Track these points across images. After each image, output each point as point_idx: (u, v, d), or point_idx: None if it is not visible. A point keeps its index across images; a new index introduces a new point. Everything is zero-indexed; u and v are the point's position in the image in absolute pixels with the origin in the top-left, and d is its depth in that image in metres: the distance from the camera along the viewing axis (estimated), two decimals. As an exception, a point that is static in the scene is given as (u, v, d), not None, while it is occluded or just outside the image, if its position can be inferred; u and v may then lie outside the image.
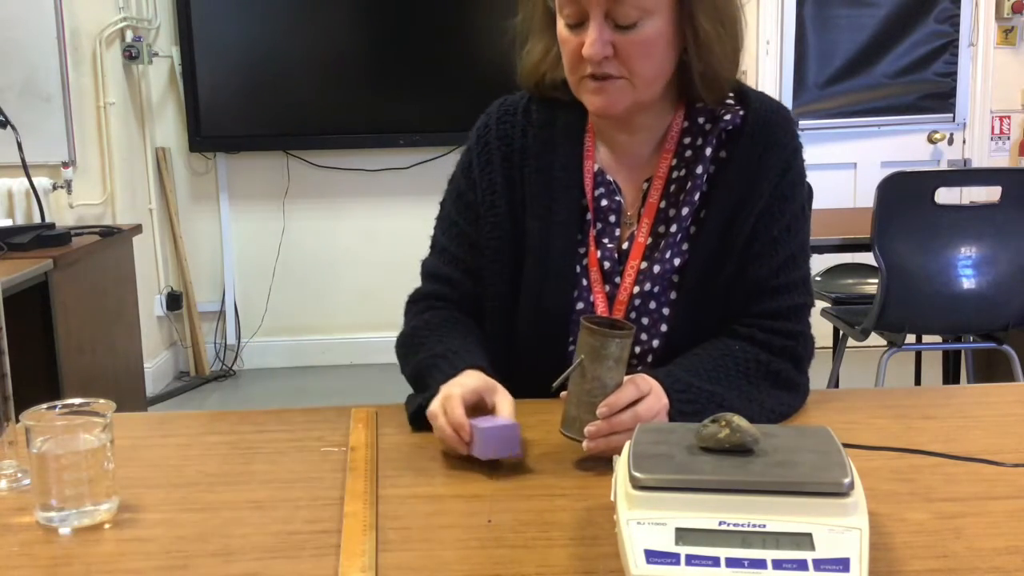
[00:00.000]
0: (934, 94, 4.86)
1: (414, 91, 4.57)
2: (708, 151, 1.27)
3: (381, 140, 4.62)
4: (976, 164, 4.87)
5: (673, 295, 1.27)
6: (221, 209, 4.78)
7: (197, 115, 4.54)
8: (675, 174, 1.29)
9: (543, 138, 1.32)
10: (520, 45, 1.35)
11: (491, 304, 1.33)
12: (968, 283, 2.75)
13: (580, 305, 1.28)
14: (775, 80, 4.78)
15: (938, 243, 2.72)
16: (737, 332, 1.24)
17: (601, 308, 1.28)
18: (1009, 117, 4.90)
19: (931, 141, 4.90)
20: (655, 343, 1.27)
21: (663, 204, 1.28)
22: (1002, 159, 4.93)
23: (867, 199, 2.97)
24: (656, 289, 1.26)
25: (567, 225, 1.29)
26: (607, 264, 1.29)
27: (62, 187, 4.01)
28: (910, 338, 3.03)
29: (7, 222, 3.36)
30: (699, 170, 1.27)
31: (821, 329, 3.46)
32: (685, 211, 1.27)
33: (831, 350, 3.57)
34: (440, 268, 1.37)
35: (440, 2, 4.61)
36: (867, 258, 2.94)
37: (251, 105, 4.61)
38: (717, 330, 1.25)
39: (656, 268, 1.27)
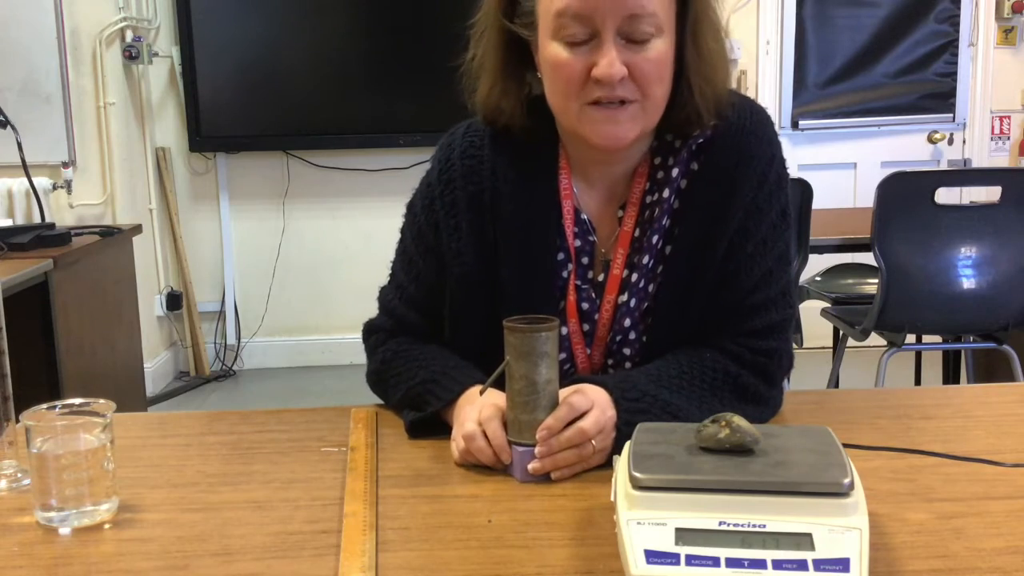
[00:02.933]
0: (934, 94, 4.86)
1: (414, 91, 4.57)
2: (675, 171, 1.21)
3: (381, 140, 4.62)
4: (976, 164, 4.87)
5: (648, 320, 1.22)
6: (221, 209, 4.78)
7: (197, 115, 4.54)
8: (648, 199, 1.22)
9: (515, 176, 1.23)
10: (471, 84, 1.25)
11: (460, 352, 1.26)
12: (968, 283, 2.75)
13: (562, 355, 1.23)
14: (775, 80, 4.78)
15: (938, 243, 2.72)
16: (710, 342, 1.20)
17: (582, 357, 1.24)
18: (1009, 117, 4.90)
19: (931, 141, 4.90)
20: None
21: (636, 232, 1.22)
22: (1002, 159, 4.93)
23: (867, 199, 2.97)
24: (636, 320, 1.22)
25: (547, 274, 1.22)
26: (585, 305, 1.24)
27: (62, 187, 4.01)
28: (910, 338, 3.03)
29: (7, 222, 3.36)
30: (666, 192, 1.21)
31: (821, 329, 3.51)
32: (655, 238, 1.21)
33: (831, 350, 3.58)
34: (397, 307, 1.31)
35: (440, 2, 4.61)
36: (867, 258, 2.94)
37: (251, 105, 4.61)
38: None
39: (632, 301, 1.22)
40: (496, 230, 1.23)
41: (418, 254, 1.29)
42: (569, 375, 1.24)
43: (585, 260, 1.24)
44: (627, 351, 1.23)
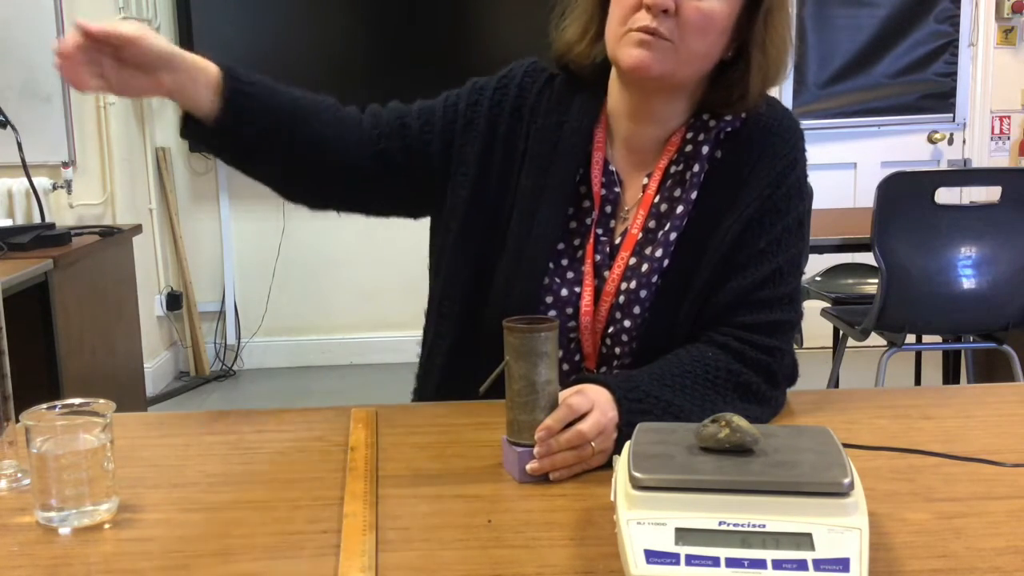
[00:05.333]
0: (934, 94, 4.86)
1: (414, 91, 4.54)
2: (706, 149, 1.26)
3: (381, 140, 4.61)
4: (976, 164, 4.87)
5: (654, 295, 1.25)
6: (221, 209, 4.78)
7: (197, 115, 4.53)
8: (673, 168, 1.27)
9: (557, 109, 1.30)
10: (559, 15, 1.32)
11: (444, 293, 1.31)
12: (968, 283, 2.75)
13: (564, 292, 1.26)
14: (775, 80, 4.78)
15: (938, 243, 2.72)
16: (713, 339, 1.21)
17: (587, 300, 1.26)
18: (1009, 117, 4.90)
19: (931, 141, 4.90)
20: (634, 344, 1.25)
21: (657, 199, 1.27)
22: (1002, 159, 4.93)
23: (867, 199, 2.97)
24: (641, 290, 1.24)
25: (556, 205, 1.27)
26: (598, 257, 1.27)
27: (62, 187, 4.01)
28: (910, 338, 3.03)
29: (7, 222, 3.35)
30: (696, 168, 1.25)
31: (821, 329, 3.51)
32: (680, 209, 1.25)
33: (831, 350, 3.58)
34: (380, 111, 1.34)
35: (440, 2, 4.61)
36: (867, 258, 2.94)
37: (251, 105, 4.60)
38: (693, 334, 1.23)
39: (644, 266, 1.25)
40: (524, 161, 1.29)
41: (423, 107, 1.34)
42: (573, 319, 1.26)
43: (608, 209, 1.29)
44: (627, 323, 1.24)
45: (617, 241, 1.28)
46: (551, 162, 1.28)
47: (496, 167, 1.30)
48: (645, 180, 1.29)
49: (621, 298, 1.25)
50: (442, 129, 1.32)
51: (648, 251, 1.25)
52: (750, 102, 1.24)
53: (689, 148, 1.27)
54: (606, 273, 1.27)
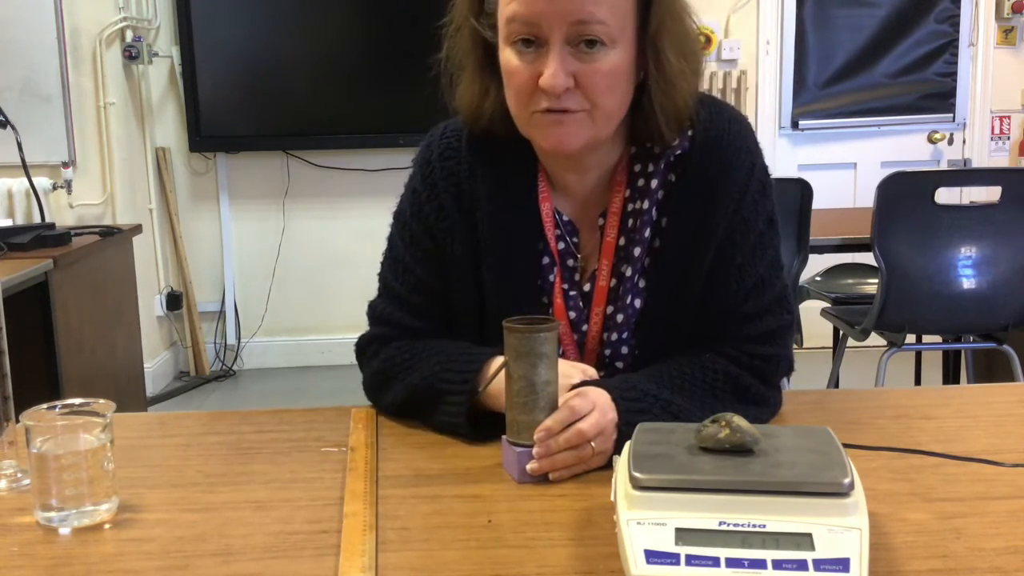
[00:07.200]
0: (934, 94, 4.86)
1: (414, 90, 4.56)
2: (655, 182, 1.19)
3: (381, 140, 4.62)
4: (976, 164, 4.87)
5: (639, 337, 1.21)
6: (221, 209, 4.78)
7: (197, 115, 4.54)
8: (630, 206, 1.20)
9: (493, 178, 1.21)
10: (449, 83, 1.24)
11: None
12: (968, 283, 2.75)
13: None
14: (775, 80, 4.78)
15: (938, 243, 2.72)
16: (709, 347, 1.19)
17: (572, 359, 1.22)
18: (1009, 117, 4.90)
19: (931, 141, 4.90)
20: None
21: (622, 241, 1.21)
22: (1002, 159, 4.93)
23: (867, 199, 2.97)
24: (625, 335, 1.21)
25: (528, 276, 1.21)
26: (573, 314, 1.22)
27: (62, 187, 4.01)
28: (910, 338, 3.03)
29: (7, 222, 3.35)
30: (646, 204, 1.19)
31: (821, 329, 3.52)
32: (638, 251, 1.19)
33: (831, 350, 3.58)
34: (394, 314, 1.26)
35: (440, 2, 4.61)
36: (867, 258, 2.94)
37: (251, 105, 4.61)
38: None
39: (620, 316, 1.20)
40: (479, 231, 1.22)
41: (414, 261, 1.26)
42: None
43: (570, 262, 1.23)
44: (619, 364, 1.23)
45: (586, 288, 1.23)
46: (509, 251, 1.21)
47: (467, 267, 1.23)
48: (601, 221, 1.22)
49: (607, 351, 1.22)
50: (436, 263, 1.25)
51: (619, 301, 1.21)
52: (667, 136, 1.16)
53: (641, 182, 1.20)
54: (584, 327, 1.23)
